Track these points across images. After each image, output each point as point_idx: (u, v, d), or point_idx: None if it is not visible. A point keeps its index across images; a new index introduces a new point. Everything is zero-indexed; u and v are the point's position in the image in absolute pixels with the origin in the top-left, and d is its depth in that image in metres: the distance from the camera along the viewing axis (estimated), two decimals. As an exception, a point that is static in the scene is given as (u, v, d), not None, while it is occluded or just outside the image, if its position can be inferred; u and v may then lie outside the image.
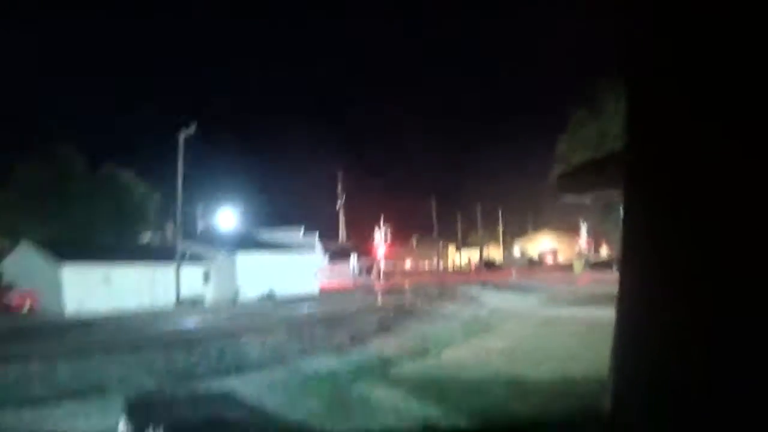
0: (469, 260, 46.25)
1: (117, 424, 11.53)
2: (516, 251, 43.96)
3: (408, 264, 46.58)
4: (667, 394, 6.61)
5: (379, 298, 34.24)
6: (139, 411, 12.77)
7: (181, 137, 32.24)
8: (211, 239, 38.37)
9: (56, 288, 25.79)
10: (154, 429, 11.04)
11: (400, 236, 40.49)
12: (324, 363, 16.63)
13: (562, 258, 43.58)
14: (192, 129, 32.77)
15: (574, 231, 38.45)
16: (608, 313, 7.56)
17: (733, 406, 6.25)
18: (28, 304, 25.24)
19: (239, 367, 16.34)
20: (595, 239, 38.30)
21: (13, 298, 25.39)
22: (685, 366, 6.41)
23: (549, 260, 44.03)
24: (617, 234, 11.22)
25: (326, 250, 43.88)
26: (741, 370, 6.17)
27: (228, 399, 13.69)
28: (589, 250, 38.28)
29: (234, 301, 34.04)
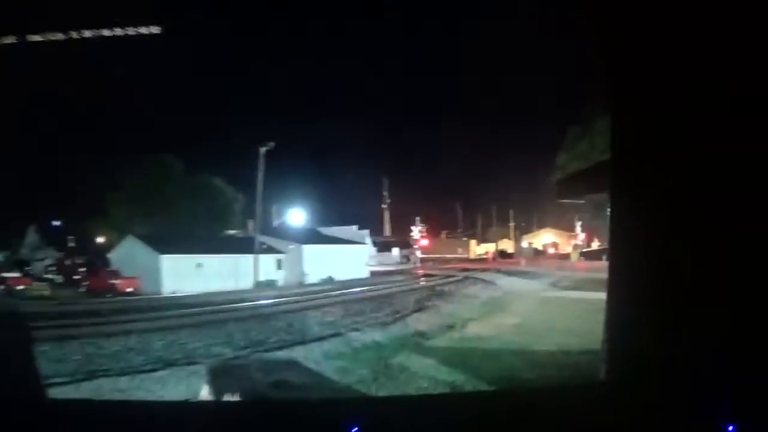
0: (487, 251, 45.84)
1: (200, 389, 11.35)
2: (524, 244, 43.47)
3: (438, 254, 46.56)
4: (651, 365, 6.23)
5: (415, 282, 34.09)
6: (218, 375, 12.66)
7: (262, 151, 32.48)
8: (284, 234, 38.43)
9: (156, 274, 25.87)
10: (231, 392, 10.80)
11: (432, 232, 40.45)
12: (371, 336, 16.50)
13: (561, 249, 43.06)
14: (271, 145, 32.98)
15: (570, 227, 38.12)
16: (598, 296, 7.22)
17: (709, 377, 5.85)
18: (131, 287, 25.22)
19: (302, 339, 16.23)
20: (588, 234, 37.82)
21: (119, 282, 25.42)
22: (666, 339, 6.04)
23: (551, 251, 43.46)
24: (606, 229, 10.84)
25: (374, 242, 43.95)
26: (709, 343, 5.78)
27: (292, 365, 13.57)
28: (584, 243, 37.94)
29: (301, 284, 34.14)
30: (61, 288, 23.88)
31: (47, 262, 24.60)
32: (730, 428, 7.28)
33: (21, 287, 21.99)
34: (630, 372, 8.72)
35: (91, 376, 12.75)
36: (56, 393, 11.76)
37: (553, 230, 41.39)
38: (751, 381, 7.77)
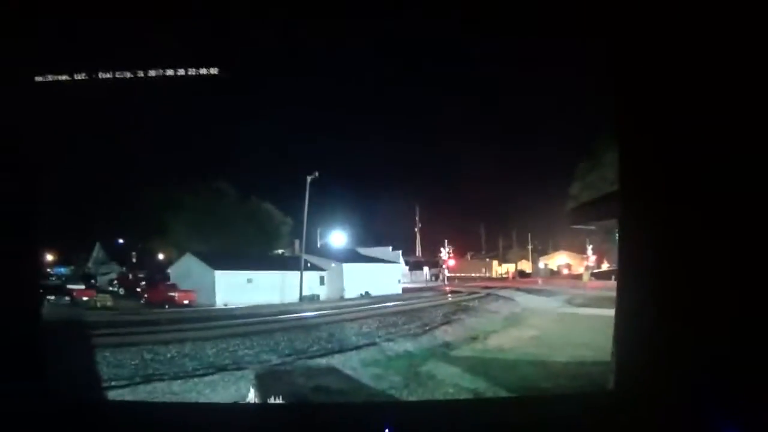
0: (508, 271, 45.49)
1: (248, 392, 11.27)
2: (541, 265, 43.07)
3: (464, 273, 46.29)
4: (656, 376, 6.05)
5: (443, 298, 33.93)
6: (264, 380, 12.64)
7: (308, 180, 32.58)
8: (326, 253, 38.46)
9: (210, 288, 25.93)
10: (276, 395, 10.72)
11: (458, 253, 40.34)
12: (403, 346, 16.42)
13: (574, 270, 42.57)
14: (316, 174, 33.12)
15: (582, 250, 37.77)
16: (608, 312, 7.05)
17: (711, 387, 5.68)
18: (187, 299, 25.26)
19: (341, 348, 16.19)
20: (598, 256, 37.46)
21: (177, 295, 25.50)
22: (669, 352, 5.87)
23: (565, 272, 42.91)
24: (615, 252, 10.65)
25: (407, 261, 43.91)
26: (711, 355, 5.59)
27: (332, 371, 13.56)
28: (595, 265, 37.60)
29: (341, 298, 34.16)
30: (123, 299, 23.99)
31: (111, 276, 24.75)
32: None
33: (86, 298, 22.11)
34: (636, 382, 8.54)
35: (147, 380, 12.86)
36: (115, 395, 11.89)
37: (567, 253, 41.13)
38: (753, 391, 7.57)
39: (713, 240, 8.16)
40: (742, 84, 7.76)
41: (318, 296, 34.75)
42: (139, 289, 25.36)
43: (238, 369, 13.60)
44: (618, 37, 8.51)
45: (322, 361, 14.72)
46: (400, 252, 42.21)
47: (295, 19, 9.80)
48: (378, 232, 35.14)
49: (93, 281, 23.78)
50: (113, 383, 12.44)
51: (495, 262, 48.02)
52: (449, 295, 34.68)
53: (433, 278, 43.63)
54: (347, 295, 34.68)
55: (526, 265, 46.06)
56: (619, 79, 8.63)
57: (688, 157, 8.21)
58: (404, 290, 38.73)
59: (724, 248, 8.05)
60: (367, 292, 36.59)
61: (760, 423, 7.24)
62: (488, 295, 32.88)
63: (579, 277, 40.03)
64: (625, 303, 8.94)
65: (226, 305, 25.79)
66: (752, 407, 7.45)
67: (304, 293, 33.08)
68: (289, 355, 15.28)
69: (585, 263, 39.12)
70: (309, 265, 34.77)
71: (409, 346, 16.48)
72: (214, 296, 26.87)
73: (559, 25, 9.69)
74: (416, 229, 43.61)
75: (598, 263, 37.89)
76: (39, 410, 8.77)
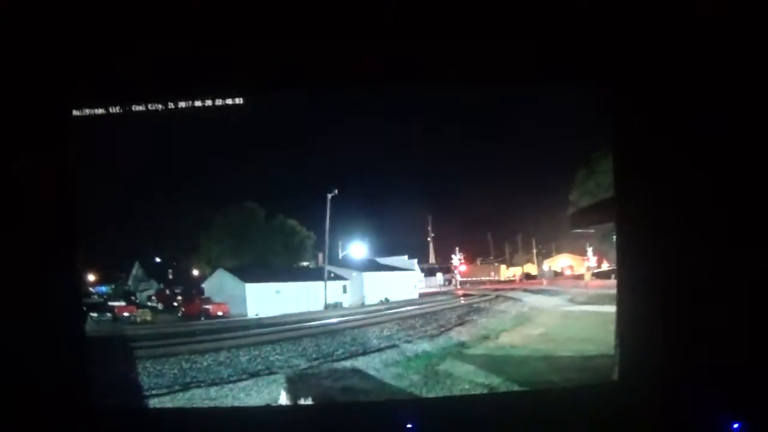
0: (515, 274, 45.19)
1: (279, 395, 11.25)
2: (545, 267, 42.67)
3: (475, 277, 45.97)
4: (657, 365, 6.05)
5: (456, 300, 33.78)
6: (294, 383, 12.63)
7: (329, 197, 32.37)
8: (348, 263, 38.10)
9: (241, 300, 25.86)
10: (305, 397, 10.71)
11: (469, 259, 39.94)
12: (421, 346, 16.31)
13: (576, 271, 42.14)
14: (335, 192, 32.89)
15: (583, 252, 37.41)
16: (609, 309, 7.08)
17: (713, 376, 5.65)
18: (221, 311, 25.24)
19: (364, 350, 16.14)
20: (598, 257, 37.15)
21: (211, 307, 25.50)
22: (669, 343, 5.86)
23: (567, 272, 42.45)
24: (613, 253, 10.60)
25: (422, 269, 43.66)
26: (710, 346, 5.57)
27: (356, 373, 13.51)
28: (595, 265, 37.27)
29: (362, 304, 33.97)
30: (161, 313, 23.93)
31: (150, 292, 24.75)
32: (736, 425, 6.99)
33: (127, 314, 22.07)
34: (639, 373, 8.48)
35: (185, 387, 12.84)
36: (156, 402, 11.97)
37: (569, 255, 40.67)
38: (755, 379, 7.49)
39: (703, 233, 8.15)
40: (735, 95, 7.72)
41: (341, 303, 34.53)
42: (176, 303, 25.30)
43: (270, 374, 13.50)
44: (615, 55, 8.50)
45: (347, 364, 14.66)
46: (416, 260, 41.98)
47: (315, 45, 9.78)
48: (394, 242, 34.89)
49: (133, 298, 23.71)
50: (154, 391, 12.42)
51: (503, 266, 47.64)
52: (462, 298, 34.45)
53: (447, 283, 43.38)
54: (368, 302, 34.50)
55: (531, 268, 45.66)
56: (616, 95, 8.62)
57: (675, 165, 8.20)
58: (420, 295, 38.59)
59: (715, 241, 8.02)
60: (386, 298, 36.33)
61: (762, 412, 7.16)
62: (497, 296, 32.59)
63: (581, 277, 39.60)
64: (625, 299, 8.92)
65: (256, 315, 25.79)
66: (754, 395, 7.36)
67: (329, 301, 32.93)
68: (316, 359, 15.19)
69: (586, 264, 38.83)
70: (332, 275, 34.52)
71: (426, 346, 16.36)
72: (246, 307, 26.84)
73: (563, 49, 9.66)
74: (429, 239, 43.39)
75: (599, 263, 37.56)
76: (85, 419, 8.78)
